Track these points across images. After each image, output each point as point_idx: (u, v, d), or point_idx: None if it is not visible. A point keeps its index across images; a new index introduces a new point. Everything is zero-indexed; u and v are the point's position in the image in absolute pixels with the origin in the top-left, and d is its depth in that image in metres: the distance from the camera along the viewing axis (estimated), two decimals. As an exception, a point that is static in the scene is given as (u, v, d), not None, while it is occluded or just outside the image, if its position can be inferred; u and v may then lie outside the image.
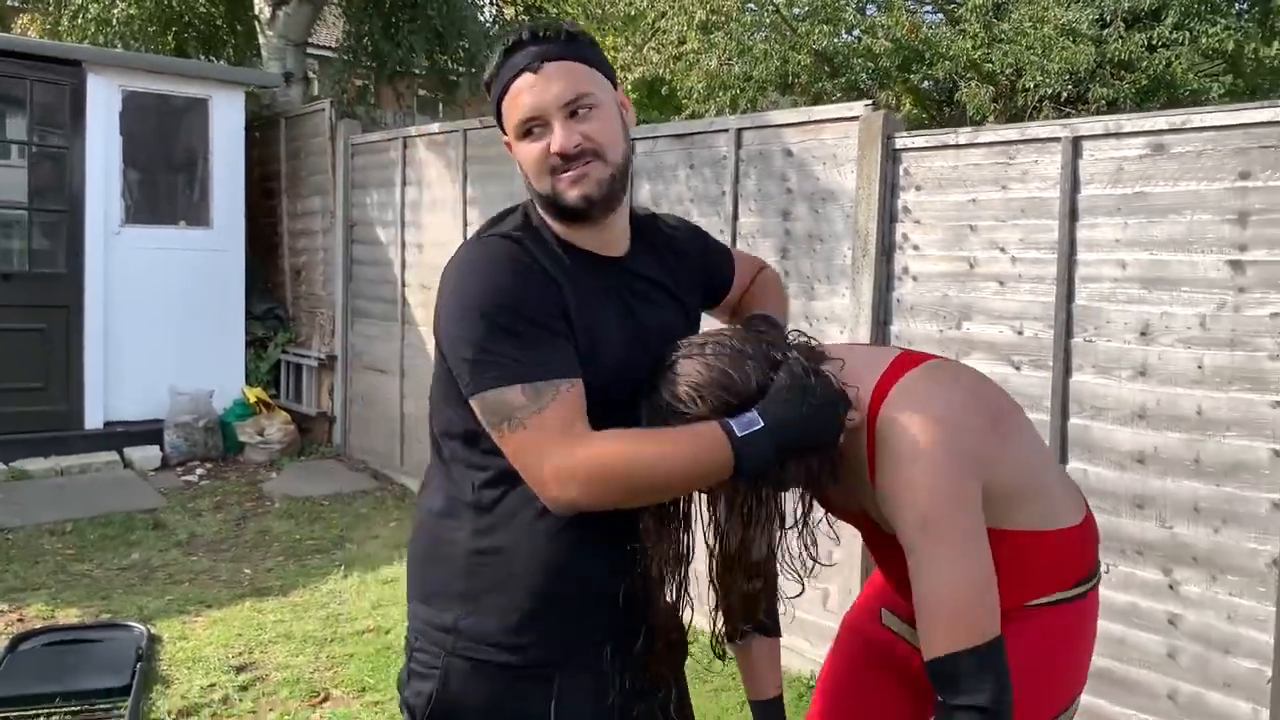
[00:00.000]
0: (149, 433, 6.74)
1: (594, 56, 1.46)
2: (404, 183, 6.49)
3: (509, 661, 1.47)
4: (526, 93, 1.40)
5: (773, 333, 1.50)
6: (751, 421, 1.32)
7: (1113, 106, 10.69)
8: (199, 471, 6.57)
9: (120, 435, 6.68)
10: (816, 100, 11.92)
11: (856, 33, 12.32)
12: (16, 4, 10.93)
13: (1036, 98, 10.85)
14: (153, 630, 4.08)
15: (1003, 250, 3.33)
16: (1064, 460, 3.15)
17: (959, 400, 1.46)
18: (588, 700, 1.51)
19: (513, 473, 1.40)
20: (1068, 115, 10.73)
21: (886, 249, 3.66)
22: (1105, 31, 10.71)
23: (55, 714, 3.37)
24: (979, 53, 11.13)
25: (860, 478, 1.48)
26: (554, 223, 1.47)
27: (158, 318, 6.85)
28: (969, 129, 3.47)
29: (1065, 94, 10.68)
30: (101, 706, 3.45)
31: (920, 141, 3.56)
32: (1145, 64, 10.66)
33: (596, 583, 1.48)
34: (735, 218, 4.24)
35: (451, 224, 6.05)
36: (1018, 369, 3.29)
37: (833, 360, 1.47)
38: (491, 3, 9.60)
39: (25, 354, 6.45)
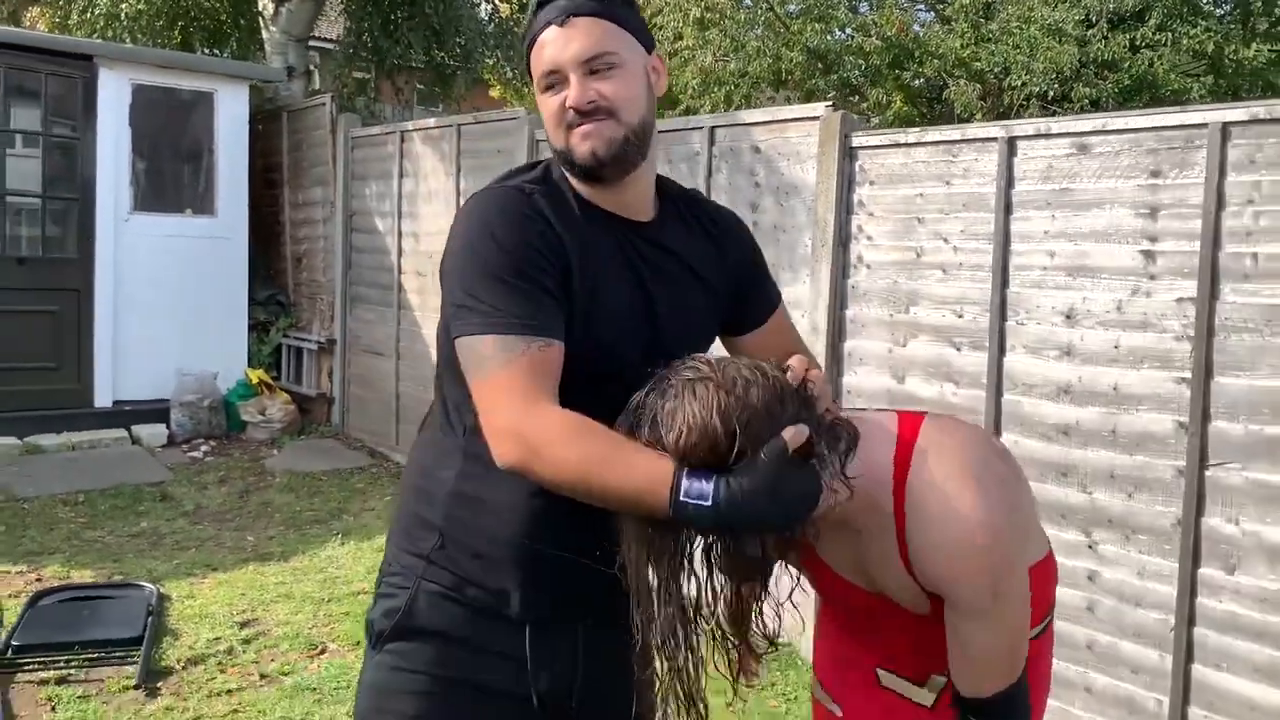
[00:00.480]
0: (156, 411, 7.05)
1: (626, 16, 1.43)
2: (401, 175, 6.78)
3: (477, 600, 1.47)
4: (549, 46, 1.40)
5: (799, 395, 1.32)
6: (701, 494, 1.22)
7: (1096, 105, 10.96)
8: (203, 448, 6.87)
9: (128, 413, 6.99)
10: (809, 97, 12.19)
11: (848, 31, 12.55)
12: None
13: (1023, 96, 11.12)
14: (162, 590, 4.38)
15: (946, 241, 3.63)
16: (998, 433, 3.45)
17: (981, 456, 1.40)
18: (558, 661, 1.50)
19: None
20: (1054, 114, 11.01)
21: (843, 239, 3.96)
22: (1090, 32, 10.95)
23: (74, 660, 3.68)
24: (967, 52, 11.39)
25: (874, 550, 1.40)
26: (574, 180, 1.45)
27: (164, 302, 7.14)
28: (917, 129, 3.76)
29: (1051, 93, 10.94)
30: (116, 654, 3.75)
31: (874, 140, 3.85)
32: (1128, 64, 10.92)
33: (574, 552, 1.45)
34: (708, 209, 4.53)
35: (445, 214, 6.34)
36: (959, 350, 3.59)
37: (845, 443, 1.36)
38: (488, 0, 9.89)
39: (39, 335, 6.74)
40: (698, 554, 1.32)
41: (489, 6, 9.69)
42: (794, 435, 1.24)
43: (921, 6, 13.86)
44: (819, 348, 4.00)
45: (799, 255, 4.16)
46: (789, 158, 4.19)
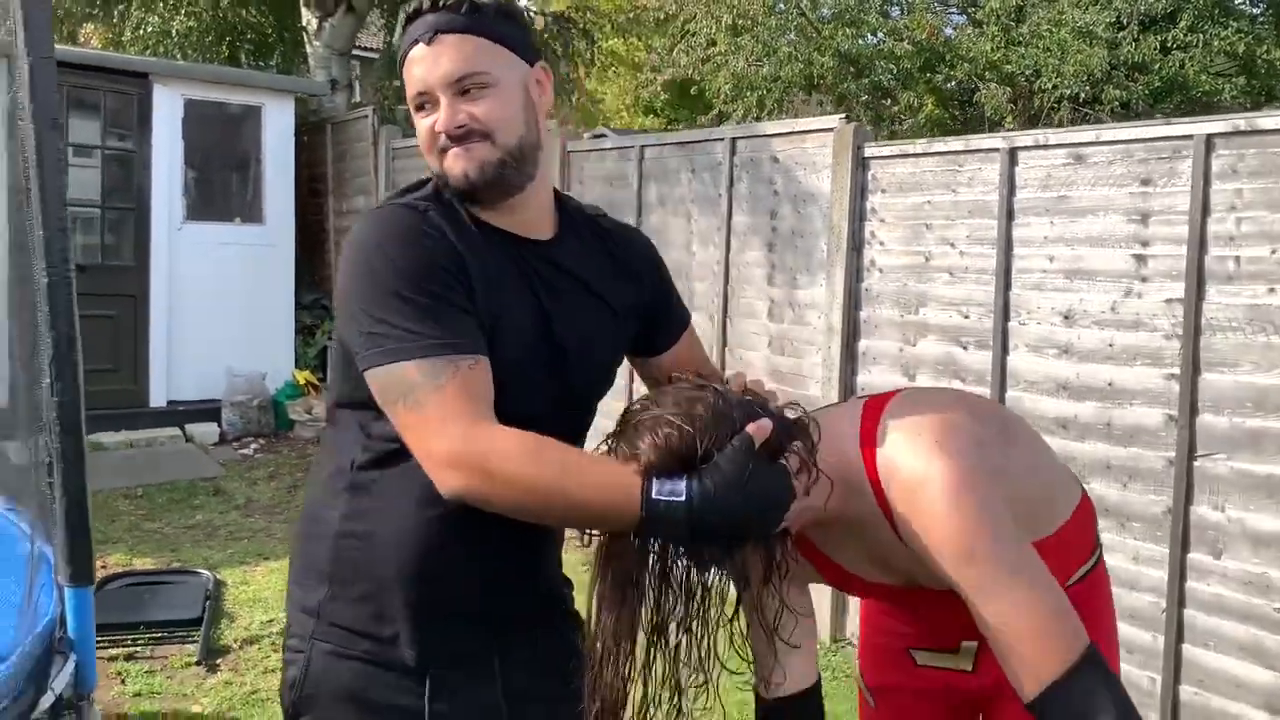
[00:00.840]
0: (207, 411, 7.39)
1: (502, 30, 1.34)
2: (440, 183, 7.06)
3: (370, 652, 1.37)
4: (418, 65, 1.32)
5: (756, 400, 1.33)
6: (674, 491, 1.17)
7: (1126, 108, 11.04)
8: (253, 446, 7.21)
9: (182, 413, 7.34)
10: (841, 101, 12.36)
11: (880, 35, 12.68)
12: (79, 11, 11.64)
13: (1053, 99, 11.22)
14: (218, 576, 4.68)
15: (952, 245, 3.82)
16: (1001, 427, 3.64)
17: (949, 418, 1.35)
18: (469, 708, 1.39)
19: (392, 456, 1.33)
20: (1085, 116, 11.10)
21: (857, 244, 4.17)
22: (1120, 34, 11.01)
23: (140, 639, 3.97)
24: (998, 55, 11.49)
25: (879, 536, 1.37)
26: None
27: (215, 306, 7.49)
28: (925, 140, 3.97)
29: (1082, 95, 11.02)
30: (178, 634, 4.04)
31: (885, 151, 4.06)
32: (1159, 66, 10.98)
33: (473, 588, 1.38)
34: (730, 216, 4.76)
35: (482, 221, 6.61)
36: (965, 349, 3.79)
37: (809, 435, 1.33)
38: (525, 12, 10.17)
39: (98, 338, 7.10)
40: (669, 573, 1.27)
41: (527, 18, 10.00)
42: (758, 429, 1.22)
43: (954, 10, 13.97)
44: (834, 347, 4.22)
45: (815, 260, 4.37)
46: (806, 167, 4.40)
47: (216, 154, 7.82)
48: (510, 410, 1.27)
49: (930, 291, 3.91)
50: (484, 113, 1.32)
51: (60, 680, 1.98)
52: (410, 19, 1.35)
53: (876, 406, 1.40)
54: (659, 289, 1.60)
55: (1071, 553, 1.48)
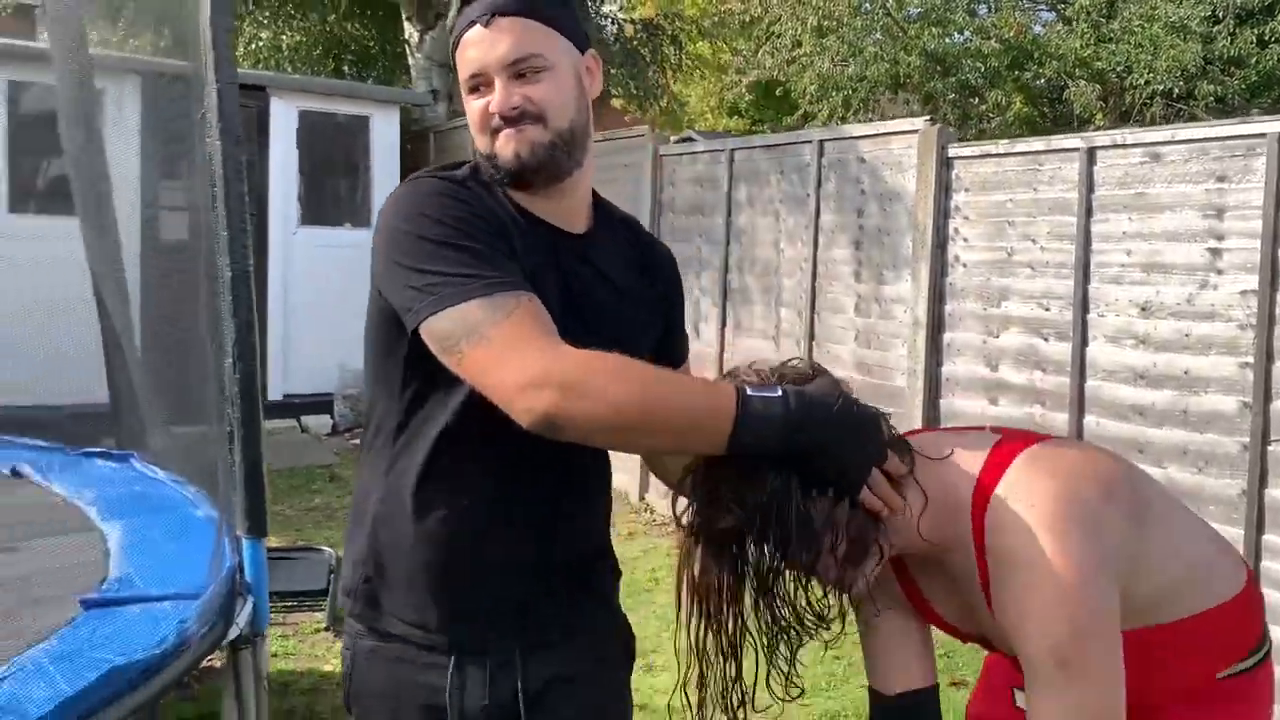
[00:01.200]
0: (320, 403, 7.87)
1: (556, 15, 1.32)
2: (537, 187, 7.40)
3: (406, 635, 1.35)
4: (474, 47, 1.30)
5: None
6: (770, 389, 1.16)
7: (1221, 103, 10.90)
8: (362, 438, 7.64)
9: (297, 405, 7.83)
10: (928, 100, 12.42)
11: (967, 34, 12.67)
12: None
13: (1145, 95, 11.13)
14: (338, 554, 5.06)
15: (1033, 241, 4.00)
16: (1080, 415, 3.80)
17: (1074, 491, 1.24)
18: (481, 693, 1.35)
19: (424, 436, 1.32)
20: (1178, 112, 11.00)
21: (941, 241, 4.36)
22: (1215, 29, 10.87)
23: (275, 608, 4.35)
24: (1088, 51, 11.42)
25: (972, 595, 1.30)
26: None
27: (327, 305, 7.94)
28: (1007, 141, 4.15)
29: (1175, 90, 10.90)
30: (307, 603, 4.43)
31: (968, 151, 4.25)
32: (1256, 60, 10.81)
33: (499, 569, 1.34)
34: (818, 215, 4.98)
35: (578, 223, 6.93)
36: (1046, 340, 3.96)
37: (928, 460, 1.27)
38: (613, 22, 10.48)
39: (221, 336, 7.62)
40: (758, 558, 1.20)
41: (614, 28, 10.29)
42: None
43: (1043, 6, 13.87)
44: (919, 340, 4.41)
45: (901, 256, 4.57)
46: (891, 167, 4.60)
47: (327, 162, 8.29)
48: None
49: (1012, 285, 4.08)
50: (539, 95, 1.30)
51: (242, 617, 2.32)
52: (466, 1, 1.32)
53: (1003, 458, 1.28)
54: (673, 312, 1.55)
55: (1215, 643, 1.36)
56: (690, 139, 9.11)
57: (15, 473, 3.23)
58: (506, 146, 1.30)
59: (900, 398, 4.46)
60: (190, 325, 2.92)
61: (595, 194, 1.46)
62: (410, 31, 9.54)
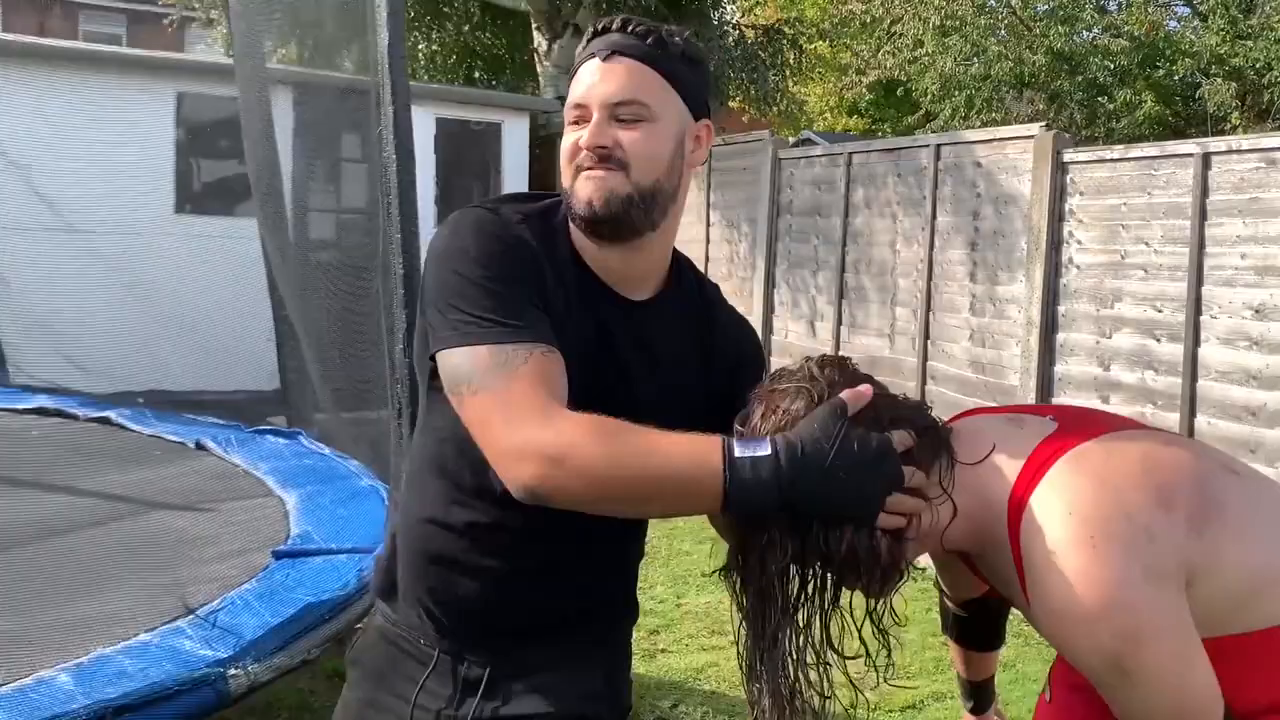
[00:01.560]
0: (452, 396, 8.28)
1: (680, 73, 1.27)
2: (659, 190, 7.69)
3: (408, 624, 1.35)
4: (586, 79, 1.26)
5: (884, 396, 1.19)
6: (758, 445, 1.10)
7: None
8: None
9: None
10: (1053, 99, 12.25)
11: (1095, 31, 12.45)
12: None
13: (1285, 93, 10.78)
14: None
15: (1147, 244, 4.08)
16: (1192, 415, 3.88)
17: (1122, 499, 1.15)
18: (444, 697, 1.33)
19: (447, 455, 1.29)
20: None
21: (1055, 243, 4.46)
22: (1361, 24, 10.47)
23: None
24: (1224, 48, 11.12)
25: (1017, 597, 1.23)
26: (575, 230, 1.30)
27: (459, 302, 8.38)
28: (1121, 146, 4.23)
29: (1320, 88, 10.54)
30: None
31: (1083, 156, 4.35)
32: (1402, 57, 10.38)
33: (480, 606, 1.31)
34: (934, 217, 5.13)
35: (697, 225, 7.19)
36: (1158, 341, 4.03)
37: (966, 460, 1.19)
38: (735, 27, 10.69)
39: (362, 330, 8.14)
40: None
41: (736, 33, 10.49)
42: (853, 394, 1.13)
43: (1178, 2, 13.51)
44: (1033, 340, 4.52)
45: (1015, 258, 4.69)
46: (1006, 171, 4.72)
47: (461, 167, 8.73)
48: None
49: (1125, 287, 4.17)
50: (629, 142, 1.24)
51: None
52: (596, 34, 1.29)
53: (1047, 457, 1.19)
54: (736, 386, 1.38)
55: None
56: (808, 140, 9.27)
57: (199, 446, 3.66)
58: (584, 188, 1.24)
59: (1013, 396, 4.57)
60: (357, 317, 3.28)
61: (680, 259, 1.38)
62: (539, 40, 9.93)
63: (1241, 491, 1.25)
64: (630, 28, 1.26)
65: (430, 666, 1.32)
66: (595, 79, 1.24)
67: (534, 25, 9.87)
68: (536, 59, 10.12)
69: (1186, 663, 1.12)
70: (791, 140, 9.81)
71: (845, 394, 1.13)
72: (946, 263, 5.09)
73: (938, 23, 12.92)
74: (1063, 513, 1.13)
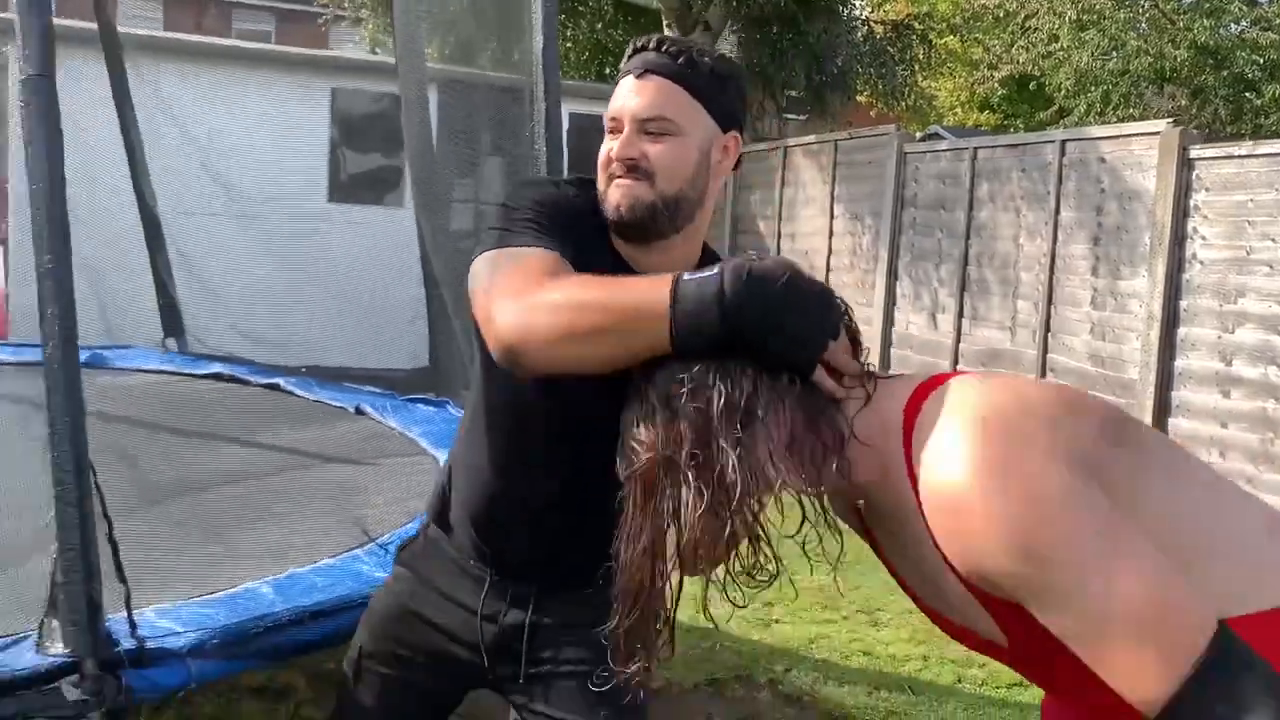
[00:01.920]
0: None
1: (706, 89, 1.37)
2: (782, 184, 7.87)
3: (457, 547, 1.51)
4: (621, 94, 1.38)
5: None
6: (704, 274, 1.11)
7: None
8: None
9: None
10: (1196, 95, 11.91)
11: (1244, 24, 12.04)
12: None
13: None
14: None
15: (1274, 240, 4.09)
16: (1315, 411, 3.89)
17: (1028, 397, 1.06)
18: (507, 615, 1.48)
19: (493, 415, 1.44)
20: None
21: (1179, 239, 4.49)
22: None
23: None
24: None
25: (923, 546, 1.05)
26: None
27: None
28: (1250, 142, 4.23)
29: None
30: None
31: (1209, 152, 4.37)
32: None
33: (531, 522, 1.45)
34: (1057, 211, 5.19)
35: (820, 216, 7.34)
36: (1282, 337, 4.05)
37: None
38: (864, 23, 10.75)
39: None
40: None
41: (865, 28, 10.56)
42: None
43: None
44: (1154, 334, 4.56)
45: (1138, 253, 4.73)
46: (1131, 167, 4.76)
47: (590, 160, 9.02)
48: (558, 449, 1.38)
49: (1249, 283, 4.18)
50: (655, 155, 1.35)
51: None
52: (635, 51, 1.39)
53: (945, 377, 1.11)
54: None
55: None
56: (935, 135, 9.30)
57: (359, 410, 4.03)
58: (614, 194, 1.36)
59: (1132, 389, 4.62)
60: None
61: (714, 256, 1.46)
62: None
63: (1169, 446, 1.15)
64: (664, 48, 1.35)
65: (485, 584, 1.47)
66: (629, 94, 1.35)
67: (665, 22, 10.14)
68: (667, 55, 10.36)
69: (1113, 542, 0.93)
70: (919, 135, 9.84)
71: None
72: (1069, 257, 5.14)
73: (1074, 17, 12.69)
74: (958, 404, 1.03)
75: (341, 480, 3.16)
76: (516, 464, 1.43)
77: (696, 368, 1.07)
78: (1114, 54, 12.18)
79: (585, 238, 1.36)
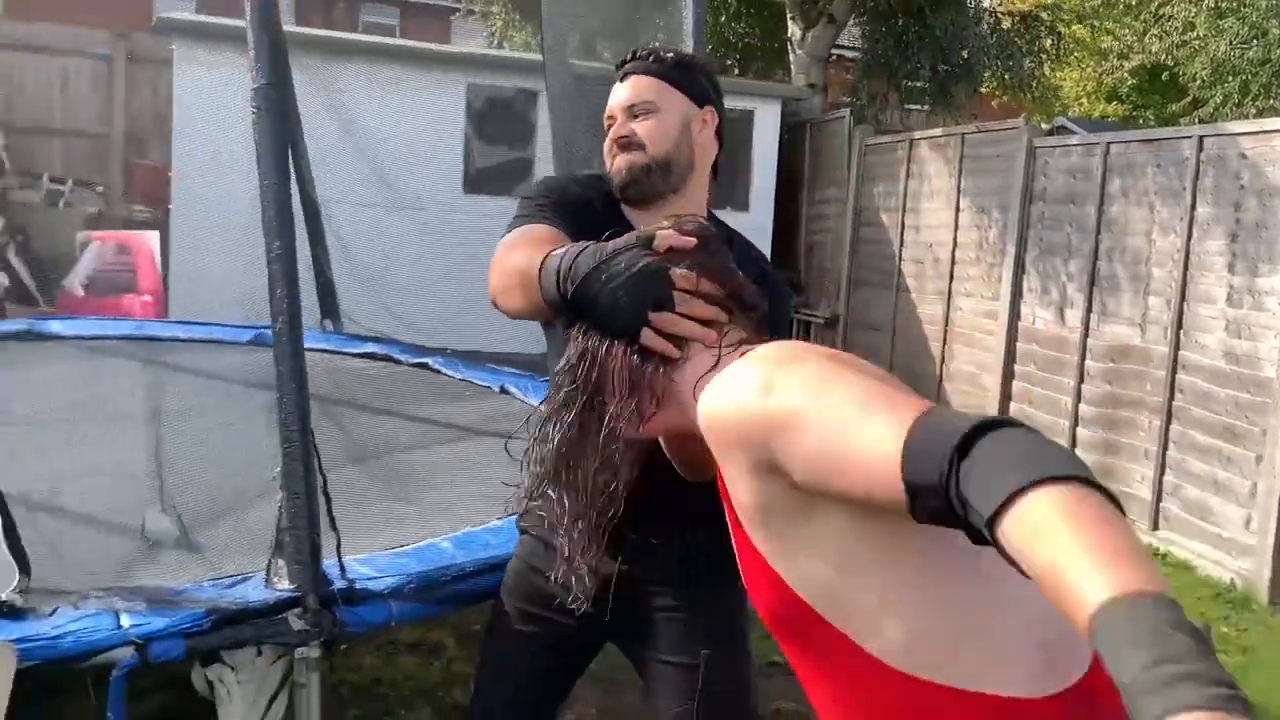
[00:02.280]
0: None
1: (674, 76, 1.70)
2: (907, 177, 7.89)
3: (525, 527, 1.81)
4: (613, 96, 1.72)
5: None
6: (578, 246, 1.30)
7: None
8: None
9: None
10: (1345, 88, 11.41)
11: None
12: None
13: None
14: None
15: None
16: None
17: (802, 354, 1.11)
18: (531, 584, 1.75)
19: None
20: None
21: (1322, 236, 4.42)
22: None
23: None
24: None
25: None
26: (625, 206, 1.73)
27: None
28: (1401, 137, 4.14)
29: None
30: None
31: (1357, 147, 4.28)
32: None
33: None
34: (1193, 207, 5.13)
35: (945, 210, 7.35)
36: None
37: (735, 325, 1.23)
38: (991, 14, 10.62)
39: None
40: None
41: (992, 20, 10.43)
42: (669, 236, 1.24)
43: None
44: (1292, 333, 4.50)
45: (1278, 250, 4.66)
46: (1273, 164, 4.69)
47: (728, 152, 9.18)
48: None
49: (1396, 282, 4.11)
50: (643, 129, 1.68)
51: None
52: (621, 64, 1.75)
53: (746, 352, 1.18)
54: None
55: None
56: (1063, 127, 9.15)
57: (503, 390, 4.28)
58: (616, 164, 1.69)
59: (1268, 388, 4.57)
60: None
61: (721, 226, 1.66)
62: (793, 29, 10.27)
63: None
64: (636, 54, 1.73)
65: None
66: (619, 94, 1.71)
67: (789, 15, 10.20)
68: (790, 47, 10.46)
69: (838, 367, 1.06)
70: (1045, 127, 9.70)
71: (663, 234, 1.24)
72: (1204, 253, 5.08)
73: (1211, 4, 12.30)
74: (741, 362, 1.14)
75: (491, 452, 3.40)
76: None
77: (582, 325, 1.26)
78: (1254, 42, 11.75)
79: (597, 213, 1.65)
